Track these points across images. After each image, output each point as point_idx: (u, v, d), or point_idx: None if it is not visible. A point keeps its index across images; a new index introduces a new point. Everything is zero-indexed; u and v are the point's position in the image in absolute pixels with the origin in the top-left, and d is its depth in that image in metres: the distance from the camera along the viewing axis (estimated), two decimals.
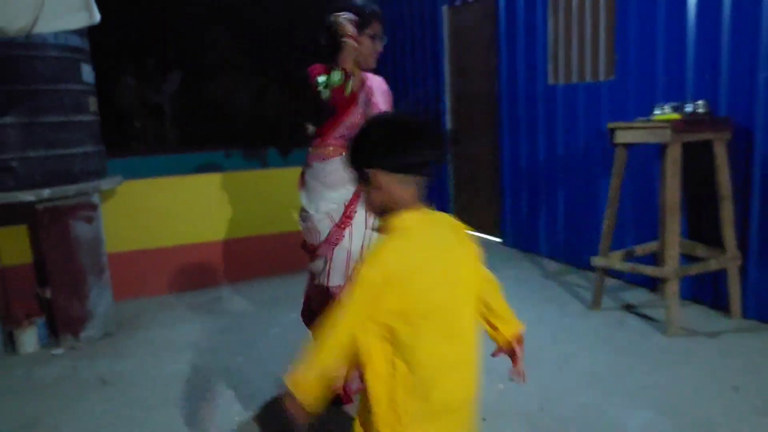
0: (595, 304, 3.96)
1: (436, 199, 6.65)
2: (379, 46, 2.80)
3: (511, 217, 5.65)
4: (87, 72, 3.84)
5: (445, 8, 6.30)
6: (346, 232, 2.78)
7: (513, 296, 4.12)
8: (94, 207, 3.82)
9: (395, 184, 1.52)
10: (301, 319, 3.03)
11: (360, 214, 2.79)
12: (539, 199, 5.27)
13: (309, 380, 1.48)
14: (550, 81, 4.99)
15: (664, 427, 2.55)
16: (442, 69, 6.44)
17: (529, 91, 5.21)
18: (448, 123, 6.47)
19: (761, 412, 2.62)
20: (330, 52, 2.78)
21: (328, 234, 2.77)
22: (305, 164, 2.87)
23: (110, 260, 4.07)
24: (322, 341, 1.50)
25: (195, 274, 4.87)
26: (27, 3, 2.56)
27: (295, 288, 4.75)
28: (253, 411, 2.87)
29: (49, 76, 3.59)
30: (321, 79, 2.65)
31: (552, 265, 5.05)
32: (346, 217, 2.77)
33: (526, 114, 5.28)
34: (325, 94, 2.66)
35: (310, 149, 2.84)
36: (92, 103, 3.88)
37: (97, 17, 2.78)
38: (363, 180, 1.56)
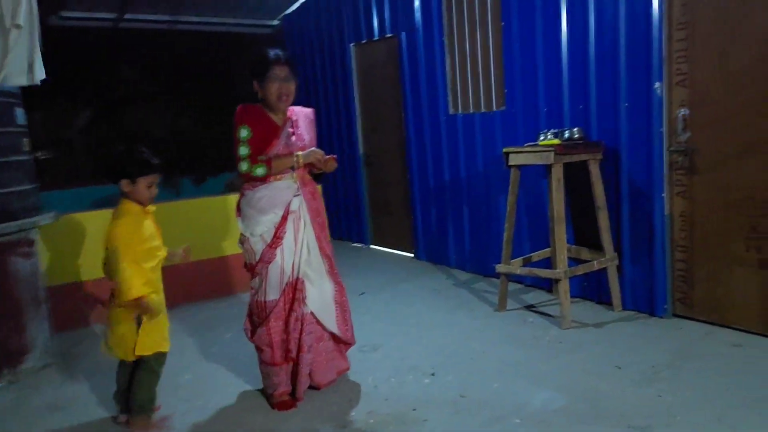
0: (500, 306, 4.50)
1: (354, 219, 7.09)
2: (285, 88, 3.14)
3: (422, 234, 6.16)
4: (20, 114, 4.00)
5: (352, 46, 6.80)
6: (278, 251, 3.17)
7: (428, 304, 4.70)
8: (31, 243, 3.97)
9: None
10: (243, 332, 3.36)
11: (289, 235, 3.18)
12: (447, 216, 5.81)
13: None
14: (451, 111, 5.57)
15: (560, 402, 3.07)
16: (353, 102, 6.92)
17: (432, 120, 5.76)
18: (361, 149, 6.94)
19: (639, 384, 3.19)
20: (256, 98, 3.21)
21: (262, 254, 3.15)
22: (240, 194, 3.25)
23: (50, 293, 4.19)
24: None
25: None
26: None
27: (227, 311, 5.06)
28: (206, 420, 3.15)
29: None
30: (244, 167, 3.10)
31: (461, 275, 5.60)
32: (277, 238, 3.17)
33: (431, 140, 5.83)
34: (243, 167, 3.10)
35: (243, 182, 3.22)
36: (26, 143, 4.04)
37: (39, 77, 3.05)
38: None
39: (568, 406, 3.03)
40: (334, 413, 3.14)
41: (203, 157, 9.79)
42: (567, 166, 4.14)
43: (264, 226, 3.16)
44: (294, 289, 3.20)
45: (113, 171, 2.96)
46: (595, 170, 4.15)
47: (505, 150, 4.31)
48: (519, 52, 4.76)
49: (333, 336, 3.37)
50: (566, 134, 4.17)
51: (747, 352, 3.48)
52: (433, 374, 3.52)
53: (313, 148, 3.23)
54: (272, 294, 3.20)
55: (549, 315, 4.33)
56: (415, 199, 6.17)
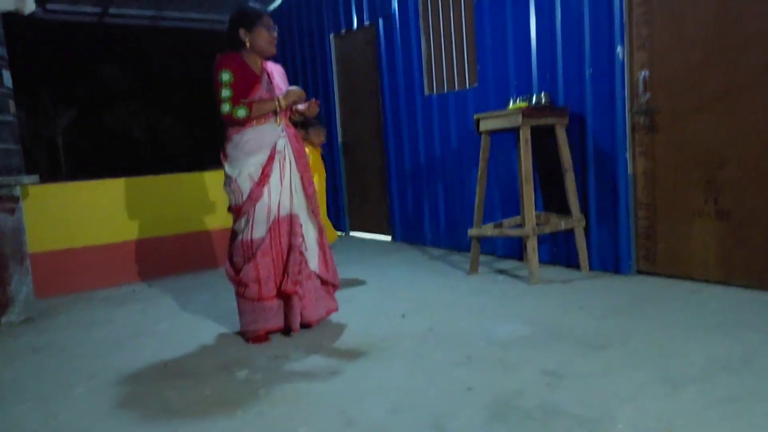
0: (472, 269, 4.62)
1: (331, 205, 7.20)
2: (274, 34, 3.39)
3: (399, 216, 6.29)
4: (7, 77, 4.11)
5: (332, 36, 7.01)
6: (265, 189, 3.28)
7: (403, 272, 4.82)
8: (15, 200, 4.05)
9: None
10: (226, 276, 3.44)
11: (275, 174, 3.30)
12: (422, 196, 5.95)
13: None
14: (426, 92, 5.76)
15: (525, 331, 3.18)
16: (332, 92, 7.10)
17: (408, 102, 5.94)
18: (340, 139, 7.10)
19: (601, 318, 3.32)
20: (234, 44, 3.35)
21: (250, 191, 3.24)
22: (226, 139, 3.35)
23: (31, 259, 4.25)
24: None
25: (109, 272, 5.13)
26: None
27: (207, 279, 5.15)
28: (184, 352, 3.21)
29: None
30: (226, 108, 3.20)
31: (436, 251, 5.72)
32: (264, 176, 3.29)
33: (407, 123, 6.00)
34: (225, 108, 3.21)
35: (228, 126, 3.33)
36: (12, 106, 4.14)
37: (29, 8, 3.14)
38: None
39: (531, 334, 3.14)
40: (305, 344, 3.22)
41: (183, 156, 9.90)
42: (535, 134, 4.30)
43: (251, 166, 3.27)
44: (290, 224, 3.30)
45: None
46: (561, 134, 4.32)
47: (476, 116, 4.48)
48: (490, 28, 4.97)
49: (318, 276, 3.46)
50: (534, 99, 4.35)
51: (703, 296, 3.61)
52: (403, 316, 3.61)
53: (292, 87, 3.37)
54: (259, 231, 3.29)
55: (519, 277, 4.46)
56: (392, 182, 6.31)
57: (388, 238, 6.55)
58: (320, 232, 3.50)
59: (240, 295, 3.35)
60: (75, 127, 10.37)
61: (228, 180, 3.34)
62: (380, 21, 6.17)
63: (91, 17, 8.10)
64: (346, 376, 2.74)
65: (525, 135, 4.17)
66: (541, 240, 4.64)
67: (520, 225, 4.71)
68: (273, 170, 3.29)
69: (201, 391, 2.66)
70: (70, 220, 4.96)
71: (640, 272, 4.21)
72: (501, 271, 4.67)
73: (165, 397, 2.64)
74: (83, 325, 3.95)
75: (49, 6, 7.65)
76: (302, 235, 3.34)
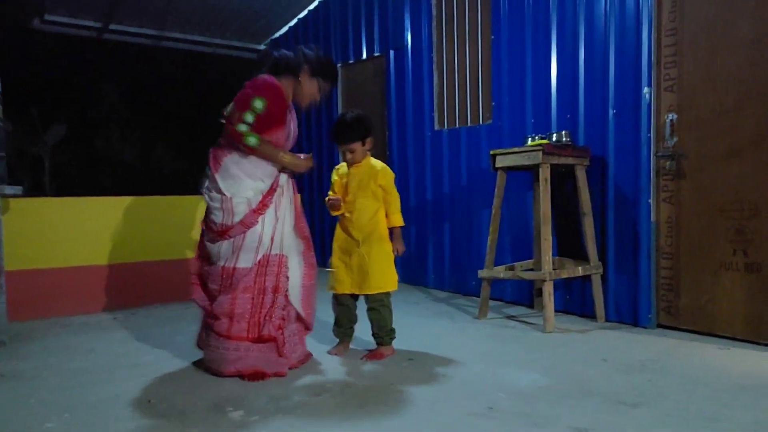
0: (481, 313, 4.35)
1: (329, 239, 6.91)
2: (318, 98, 3.25)
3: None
4: None
5: (339, 66, 6.85)
6: (260, 218, 3.01)
7: (406, 313, 4.53)
8: None
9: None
10: (195, 302, 3.18)
11: (272, 208, 3.05)
12: (426, 235, 5.71)
13: None
14: (437, 127, 5.58)
15: (547, 382, 2.91)
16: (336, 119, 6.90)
17: (417, 137, 5.76)
18: None
19: (627, 372, 3.05)
20: (283, 69, 3.15)
21: (244, 217, 2.99)
22: (221, 148, 3.08)
23: (6, 278, 3.94)
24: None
25: (91, 296, 4.80)
26: None
27: (196, 310, 4.78)
28: (172, 388, 2.89)
29: None
30: (243, 128, 2.94)
31: (440, 294, 5.44)
32: (263, 205, 3.03)
33: (414, 158, 5.80)
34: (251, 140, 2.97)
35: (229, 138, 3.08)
36: None
37: None
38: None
39: (554, 385, 2.87)
40: (308, 384, 2.92)
41: (177, 184, 9.59)
42: (553, 174, 4.10)
43: (251, 190, 3.03)
44: (279, 265, 3.06)
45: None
46: (581, 176, 4.12)
47: (492, 152, 4.29)
48: (507, 64, 4.82)
49: (298, 319, 3.22)
50: (554, 137, 4.16)
51: (732, 355, 3.37)
52: (411, 359, 3.33)
53: (303, 158, 3.14)
54: (245, 261, 3.02)
55: (531, 323, 4.19)
56: None
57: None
58: (309, 273, 3.26)
59: (209, 327, 3.07)
60: (64, 147, 10.03)
61: (217, 196, 3.03)
62: (391, 52, 6.03)
63: (90, 32, 7.87)
64: (355, 424, 2.44)
65: (545, 173, 3.97)
66: (555, 286, 4.39)
67: (533, 269, 4.48)
68: (272, 202, 3.06)
69: None
70: (53, 238, 4.63)
71: (660, 326, 3.97)
72: (511, 317, 4.40)
73: None
74: (59, 353, 3.60)
75: (48, 17, 7.40)
76: (288, 277, 3.11)
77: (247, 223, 3.00)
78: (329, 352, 3.46)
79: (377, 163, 3.46)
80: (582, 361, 3.27)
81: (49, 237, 4.62)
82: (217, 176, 3.05)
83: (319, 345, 3.63)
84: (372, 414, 2.54)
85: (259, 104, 2.96)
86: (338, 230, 3.44)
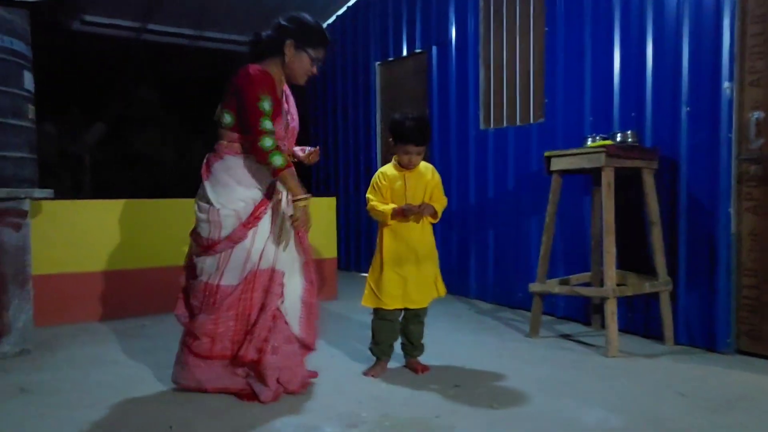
0: (533, 331, 3.93)
1: (366, 251, 6.57)
2: (315, 70, 2.87)
3: (440, 261, 5.62)
4: (28, 79, 3.60)
5: (377, 64, 6.51)
6: (251, 232, 2.68)
7: (448, 329, 4.12)
8: (23, 214, 3.50)
9: None
10: (177, 318, 2.88)
11: (266, 219, 2.71)
12: (469, 243, 5.31)
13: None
14: (482, 126, 5.18)
15: (618, 422, 2.49)
16: (374, 123, 6.57)
17: (460, 137, 5.36)
18: None
19: (711, 412, 2.61)
20: (267, 51, 2.79)
21: (232, 231, 2.66)
22: (214, 154, 2.77)
23: (34, 282, 3.70)
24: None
25: (119, 301, 4.53)
26: None
27: None
28: (194, 412, 2.57)
29: None
30: (268, 143, 2.58)
31: (482, 305, 5.03)
32: (254, 218, 2.70)
33: (457, 159, 5.40)
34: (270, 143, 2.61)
35: (224, 142, 2.75)
36: (31, 111, 3.63)
37: None
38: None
39: (627, 426, 2.45)
40: (341, 413, 2.56)
41: None
42: (615, 178, 3.64)
43: (241, 200, 2.69)
44: (270, 280, 2.70)
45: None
46: (649, 180, 3.68)
47: (546, 154, 3.87)
48: (563, 57, 4.40)
49: (297, 339, 2.84)
50: (618, 137, 3.72)
51: None
52: (457, 386, 2.93)
53: (308, 217, 2.71)
54: (230, 279, 2.68)
55: (589, 344, 3.76)
56: (435, 225, 5.67)
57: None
58: (310, 289, 2.89)
59: (186, 345, 2.74)
60: (103, 147, 9.94)
61: (205, 207, 2.70)
62: (434, 48, 5.65)
63: (129, 32, 7.75)
64: None
65: (608, 178, 3.54)
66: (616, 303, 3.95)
67: (589, 284, 4.04)
68: (266, 213, 2.70)
69: None
70: (83, 241, 4.38)
71: (740, 352, 3.50)
72: (566, 336, 3.97)
73: None
74: (82, 364, 3.32)
75: (87, 18, 7.30)
76: (281, 296, 2.73)
77: (234, 239, 2.66)
78: (365, 374, 3.10)
79: (426, 165, 3.17)
80: (654, 394, 2.84)
81: (80, 240, 4.38)
82: (207, 184, 2.73)
83: (353, 364, 3.28)
84: None
85: (267, 105, 2.60)
86: (390, 240, 3.07)
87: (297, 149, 3.04)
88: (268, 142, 2.58)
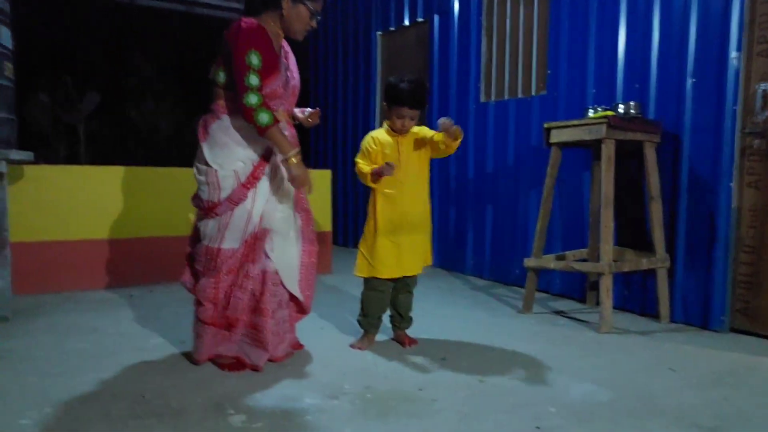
0: (526, 307, 3.87)
1: (362, 220, 6.50)
2: (314, 23, 2.75)
3: (437, 238, 5.56)
4: (5, 35, 3.50)
5: (378, 34, 6.38)
6: (250, 193, 2.61)
7: (441, 303, 4.07)
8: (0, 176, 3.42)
9: None
10: (183, 284, 2.82)
11: (265, 180, 2.63)
12: (466, 218, 5.23)
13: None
14: (482, 99, 5.07)
15: (606, 396, 2.43)
16: (374, 93, 6.45)
17: (460, 110, 5.25)
18: None
19: (699, 387, 2.56)
20: (263, 4, 2.68)
21: (231, 192, 2.58)
22: (211, 113, 2.68)
23: (12, 249, 3.63)
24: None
25: (104, 271, 4.47)
26: None
27: None
28: (172, 381, 2.53)
29: None
30: (253, 100, 2.49)
31: (478, 281, 4.97)
32: (253, 178, 2.61)
33: None
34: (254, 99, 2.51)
35: (220, 101, 2.65)
36: (8, 69, 3.53)
37: None
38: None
39: (614, 400, 2.39)
40: (324, 384, 2.51)
41: None
42: (616, 152, 3.54)
43: (240, 160, 2.60)
44: (255, 240, 2.63)
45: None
46: (650, 154, 3.58)
47: (546, 125, 3.77)
48: (567, 27, 4.27)
49: (292, 301, 2.79)
50: (621, 108, 3.61)
51: None
52: (444, 359, 2.88)
53: (306, 175, 2.62)
54: (231, 242, 2.61)
55: (583, 321, 3.70)
56: (432, 199, 5.57)
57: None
58: (309, 251, 2.83)
59: (195, 314, 2.71)
60: (98, 116, 9.84)
61: (204, 168, 2.63)
62: (436, 17, 5.51)
63: None
64: None
65: (608, 150, 3.44)
66: (612, 280, 3.87)
67: (586, 260, 3.97)
68: (265, 173, 2.62)
69: None
70: (68, 208, 4.30)
71: (734, 330, 3.43)
72: (559, 312, 3.91)
73: None
74: (60, 332, 3.28)
75: None
76: (267, 252, 2.66)
77: (234, 200, 2.59)
78: (352, 346, 3.05)
79: (419, 129, 3.05)
80: (646, 370, 2.78)
81: (65, 207, 4.30)
82: (204, 145, 2.64)
83: (342, 336, 3.23)
84: (394, 428, 2.12)
85: (255, 60, 2.49)
86: (385, 207, 2.96)
87: (297, 111, 2.95)
88: (252, 98, 2.48)
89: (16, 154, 3.57)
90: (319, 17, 2.76)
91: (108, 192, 4.47)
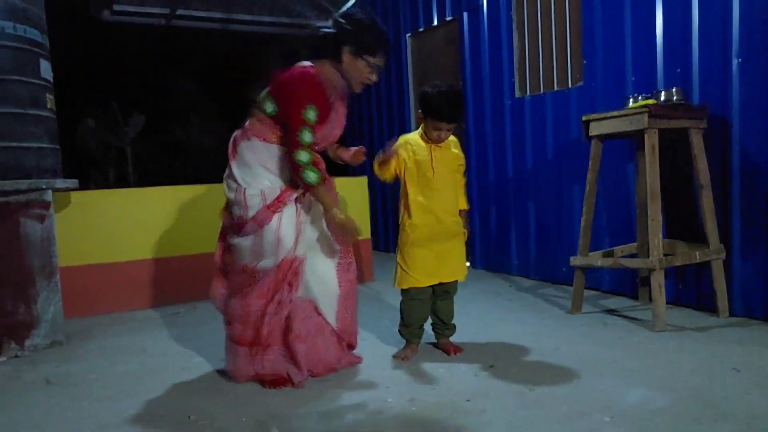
0: (574, 307, 3.73)
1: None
2: (373, 78, 2.70)
3: (479, 239, 5.45)
4: (45, 68, 3.57)
5: (408, 36, 6.31)
6: (276, 216, 2.55)
7: (486, 307, 3.95)
8: (46, 205, 3.49)
9: None
10: (214, 302, 2.81)
11: (291, 207, 2.59)
12: (509, 217, 5.10)
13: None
14: (518, 94, 4.94)
15: (664, 401, 2.29)
16: (407, 96, 6.39)
17: (495, 106, 5.14)
18: None
19: (766, 387, 2.40)
20: (323, 50, 2.64)
21: (257, 212, 2.55)
22: (242, 131, 2.66)
23: (60, 274, 3.70)
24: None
25: (150, 290, 4.53)
26: None
27: None
28: (215, 400, 2.51)
29: (7, 68, 3.31)
30: (304, 158, 2.48)
31: (524, 282, 4.84)
32: (279, 201, 2.57)
33: (492, 131, 5.19)
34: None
35: (255, 123, 2.63)
36: (50, 100, 3.60)
37: None
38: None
39: (673, 406, 2.25)
40: (366, 399, 2.45)
41: None
42: (661, 141, 3.38)
43: (267, 180, 2.58)
44: (290, 265, 2.58)
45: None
46: (697, 141, 3.40)
47: (584, 118, 3.63)
48: (601, 14, 4.11)
49: (335, 332, 2.76)
50: (663, 95, 3.45)
51: None
52: (492, 366, 2.79)
53: (348, 222, 2.59)
54: (267, 261, 2.57)
55: (635, 319, 3.54)
56: (472, 199, 5.49)
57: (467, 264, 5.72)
58: (348, 280, 2.79)
59: (226, 332, 2.71)
60: (144, 138, 10.11)
61: (234, 185, 2.62)
62: (465, 15, 5.40)
63: (158, 19, 7.75)
64: None
65: (651, 140, 3.29)
66: (665, 274, 3.68)
67: (636, 255, 3.80)
68: (290, 201, 2.58)
69: None
70: (113, 231, 4.37)
71: None
72: (610, 311, 3.76)
73: None
74: (110, 354, 3.31)
75: (116, 7, 7.34)
76: (299, 274, 2.62)
77: (259, 220, 2.55)
78: (395, 356, 2.98)
79: (453, 140, 3.02)
80: (706, 371, 2.62)
81: (110, 230, 4.37)
82: (233, 164, 2.63)
83: (384, 347, 3.17)
84: None
85: (312, 115, 2.49)
86: (419, 215, 2.90)
87: (341, 152, 2.91)
88: (303, 156, 2.48)
89: (61, 183, 3.64)
90: (380, 73, 2.71)
91: (151, 212, 4.52)
